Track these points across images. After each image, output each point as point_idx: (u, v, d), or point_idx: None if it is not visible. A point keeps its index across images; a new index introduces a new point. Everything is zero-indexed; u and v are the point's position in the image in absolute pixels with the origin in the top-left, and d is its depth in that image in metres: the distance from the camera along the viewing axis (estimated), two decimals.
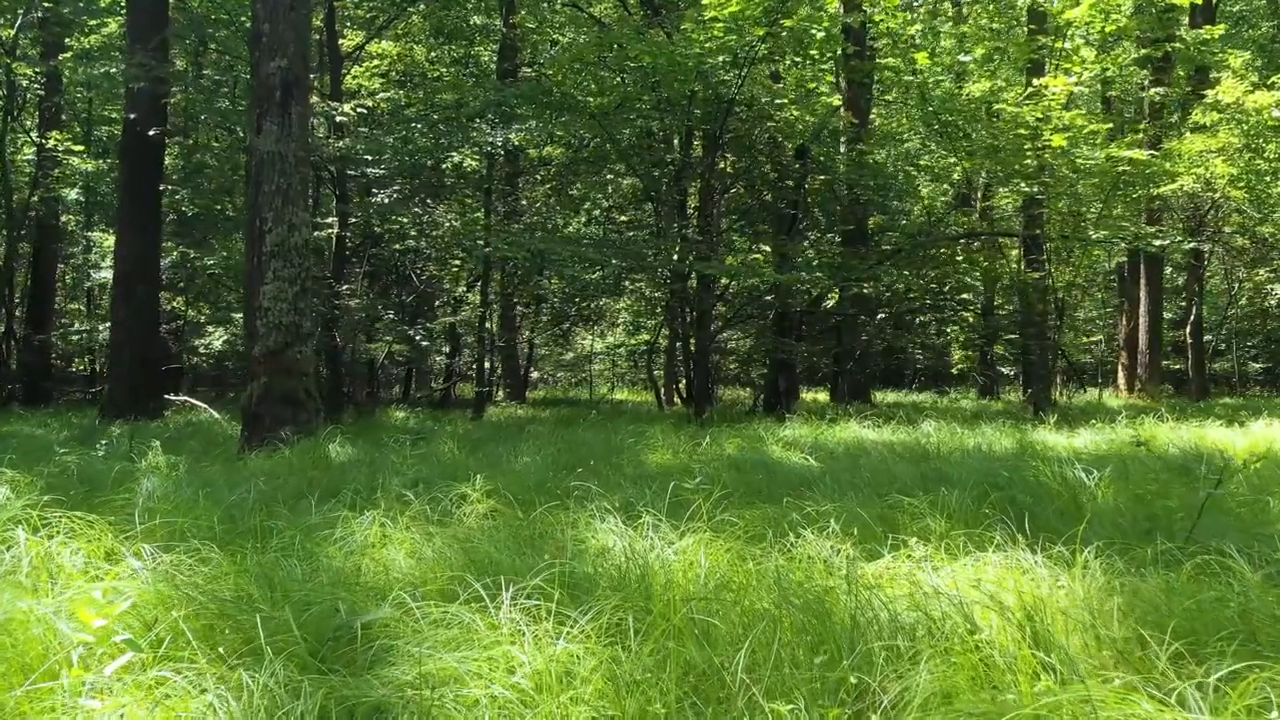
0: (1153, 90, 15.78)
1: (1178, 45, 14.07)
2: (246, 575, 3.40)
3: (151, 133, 14.79)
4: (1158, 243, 13.29)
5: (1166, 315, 25.84)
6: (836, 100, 15.02)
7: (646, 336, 25.57)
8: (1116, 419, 11.72)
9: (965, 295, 21.74)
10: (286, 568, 3.57)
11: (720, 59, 13.75)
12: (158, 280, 15.74)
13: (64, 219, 23.50)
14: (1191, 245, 16.15)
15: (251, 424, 8.78)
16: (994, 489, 6.57)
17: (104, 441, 7.99)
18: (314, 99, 16.63)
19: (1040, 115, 12.40)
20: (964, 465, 7.31)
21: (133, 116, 15.12)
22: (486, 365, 23.54)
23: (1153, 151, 12.76)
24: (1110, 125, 14.28)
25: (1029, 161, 12.70)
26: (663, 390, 21.50)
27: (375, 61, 20.35)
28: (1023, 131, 12.74)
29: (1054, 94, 12.10)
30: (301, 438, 8.49)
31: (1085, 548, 4.08)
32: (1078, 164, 12.69)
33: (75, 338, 22.54)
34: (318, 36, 19.07)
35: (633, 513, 5.17)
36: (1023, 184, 12.85)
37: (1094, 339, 31.07)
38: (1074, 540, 4.56)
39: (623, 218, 20.33)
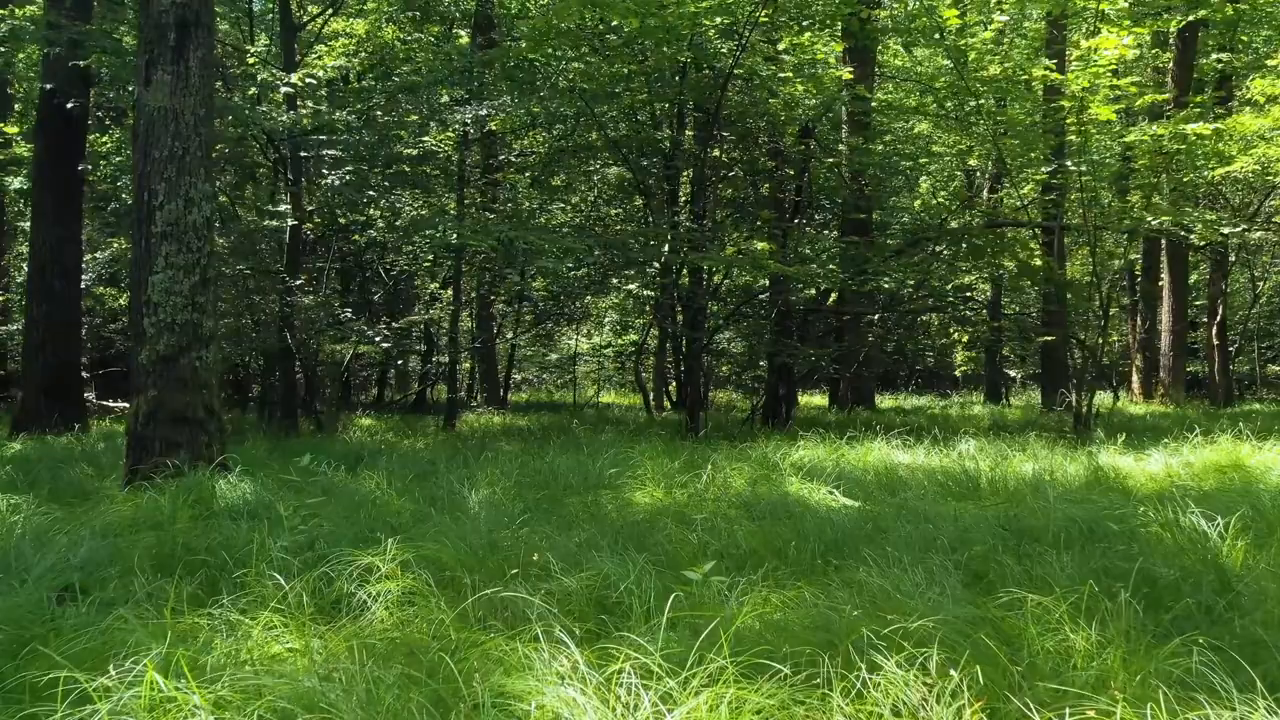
0: (1214, 58, 14.09)
1: (1242, 6, 12.42)
2: None
3: (69, 104, 12.97)
4: (1226, 230, 11.65)
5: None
6: (846, 73, 13.29)
7: (634, 337, 23.95)
8: (1170, 434, 10.05)
9: (971, 294, 20.08)
10: None
11: (717, 20, 12.05)
12: (78, 272, 13.83)
13: (15, 209, 21.56)
14: (1259, 234, 14.52)
15: (137, 449, 6.97)
16: (1099, 543, 4.91)
17: None
18: (263, 74, 14.79)
19: (1087, 84, 10.71)
20: (1045, 510, 5.61)
21: (49, 87, 13.28)
22: (464, 367, 21.76)
23: (1218, 126, 11.07)
24: (1166, 96, 12.67)
25: (1072, 138, 11.01)
26: (651, 394, 19.83)
27: (342, 41, 18.59)
28: (1065, 103, 11.05)
29: (1105, 57, 10.43)
30: (198, 466, 6.72)
31: None
32: (1129, 140, 11.02)
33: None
34: (270, 4, 17.29)
35: (608, 609, 3.47)
36: (1068, 163, 11.14)
37: (1110, 339, 29.54)
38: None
39: (612, 211, 18.62)
